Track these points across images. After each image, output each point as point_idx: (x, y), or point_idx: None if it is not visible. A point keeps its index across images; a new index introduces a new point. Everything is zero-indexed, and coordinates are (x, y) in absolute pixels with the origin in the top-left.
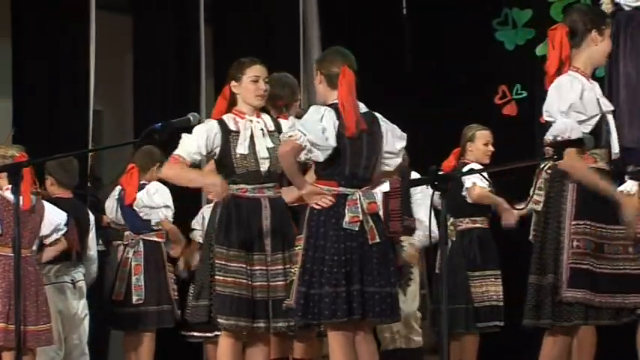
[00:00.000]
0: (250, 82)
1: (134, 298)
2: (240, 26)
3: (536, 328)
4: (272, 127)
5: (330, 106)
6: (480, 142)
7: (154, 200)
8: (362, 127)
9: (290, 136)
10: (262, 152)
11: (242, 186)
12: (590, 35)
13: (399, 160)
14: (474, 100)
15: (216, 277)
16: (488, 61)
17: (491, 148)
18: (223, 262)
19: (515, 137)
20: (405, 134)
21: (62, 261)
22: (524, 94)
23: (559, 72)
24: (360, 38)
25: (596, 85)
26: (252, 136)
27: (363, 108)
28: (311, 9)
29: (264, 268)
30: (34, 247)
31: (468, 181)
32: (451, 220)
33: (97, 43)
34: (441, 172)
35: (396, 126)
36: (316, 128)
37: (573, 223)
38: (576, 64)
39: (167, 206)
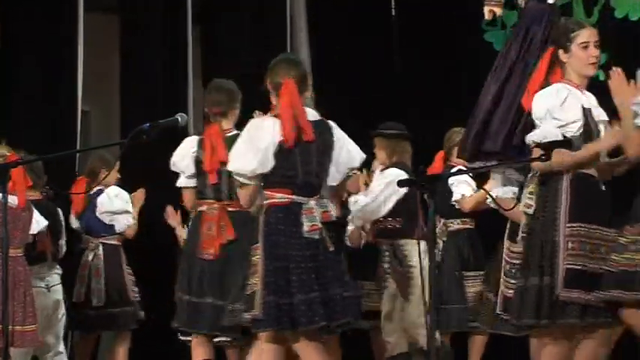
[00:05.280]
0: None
1: (94, 301)
2: (228, 26)
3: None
4: None
5: (276, 116)
6: None
7: (115, 205)
8: (307, 138)
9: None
10: None
11: None
12: (559, 53)
13: (339, 177)
14: (463, 101)
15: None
16: (477, 62)
17: None
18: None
19: None
20: (361, 157)
21: (38, 262)
22: None
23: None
24: (349, 39)
25: (590, 97)
26: None
27: (314, 117)
28: (299, 9)
29: None
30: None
31: (456, 192)
32: (442, 221)
33: (85, 44)
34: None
35: (354, 147)
36: (257, 149)
37: (568, 225)
38: (567, 76)
39: (127, 211)
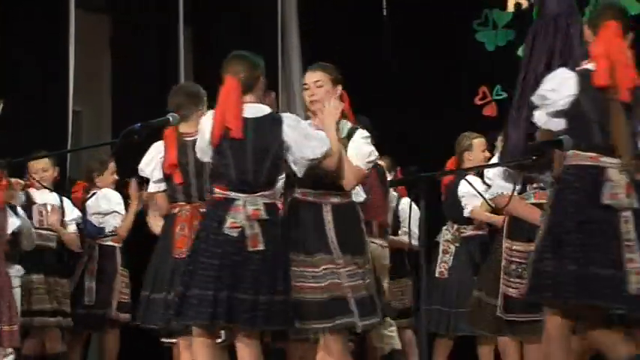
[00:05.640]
0: None
1: (85, 299)
2: (220, 27)
3: None
4: None
5: None
6: (478, 150)
7: (102, 206)
8: (233, 135)
9: None
10: None
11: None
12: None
13: (301, 170)
14: (454, 101)
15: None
16: (469, 62)
17: (487, 154)
18: None
19: (496, 138)
20: (322, 149)
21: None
22: (505, 95)
23: None
24: (340, 39)
25: None
26: None
27: (258, 112)
28: (290, 10)
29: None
30: None
31: (467, 208)
32: (455, 226)
33: (76, 43)
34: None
35: (319, 138)
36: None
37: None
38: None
39: (115, 212)
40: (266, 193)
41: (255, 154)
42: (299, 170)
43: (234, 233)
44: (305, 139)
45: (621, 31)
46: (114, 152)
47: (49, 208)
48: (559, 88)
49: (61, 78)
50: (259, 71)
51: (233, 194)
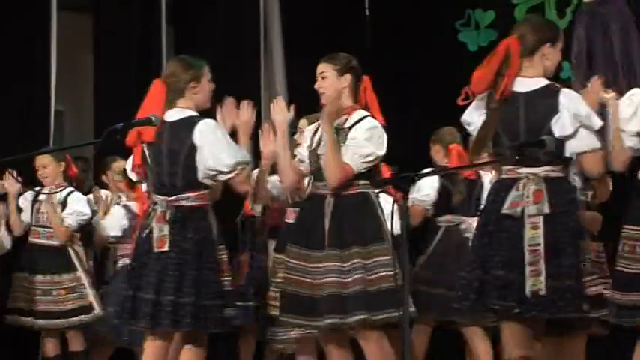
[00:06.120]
0: None
1: None
2: (202, 26)
3: None
4: None
5: None
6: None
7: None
8: (144, 139)
9: None
10: None
11: None
12: (544, 47)
13: (221, 178)
14: (436, 101)
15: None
16: (451, 62)
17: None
18: None
19: None
20: (230, 162)
21: None
22: None
23: None
24: (322, 39)
25: None
26: None
27: (178, 116)
28: (272, 9)
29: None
30: None
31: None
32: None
33: (58, 43)
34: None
35: (229, 150)
36: None
37: None
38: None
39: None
40: (184, 196)
41: (169, 157)
42: (202, 178)
43: (143, 234)
44: (213, 147)
45: None
46: (96, 152)
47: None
48: None
49: (43, 78)
50: (189, 75)
51: (155, 197)
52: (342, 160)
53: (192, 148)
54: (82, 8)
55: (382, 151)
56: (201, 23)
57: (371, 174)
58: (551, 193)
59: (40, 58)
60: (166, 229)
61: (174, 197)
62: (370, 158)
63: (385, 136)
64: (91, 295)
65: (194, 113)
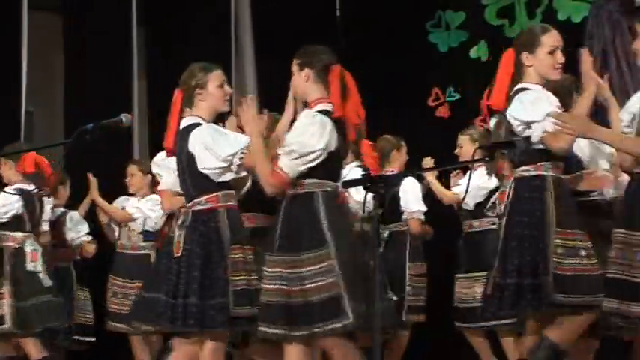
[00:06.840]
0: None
1: None
2: (173, 27)
3: None
4: None
5: None
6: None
7: None
8: (165, 146)
9: None
10: None
11: None
12: (522, 56)
13: (232, 169)
14: (407, 102)
15: None
16: (422, 63)
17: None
18: None
19: (448, 139)
20: (209, 166)
21: None
22: (457, 96)
23: None
24: (293, 40)
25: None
26: None
27: (185, 124)
28: (243, 10)
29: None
30: None
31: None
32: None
33: (29, 43)
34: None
35: (212, 152)
36: None
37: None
38: (527, 79)
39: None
40: (198, 200)
41: (179, 165)
42: (217, 179)
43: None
44: (208, 149)
45: None
46: (66, 153)
47: None
48: None
49: (14, 78)
50: (194, 82)
51: (186, 203)
52: (274, 165)
53: (190, 156)
54: (53, 8)
55: (321, 145)
56: (172, 24)
57: (324, 169)
58: (516, 194)
59: (10, 58)
60: (181, 235)
61: (192, 202)
62: (310, 157)
63: (327, 127)
64: None
65: (197, 120)
